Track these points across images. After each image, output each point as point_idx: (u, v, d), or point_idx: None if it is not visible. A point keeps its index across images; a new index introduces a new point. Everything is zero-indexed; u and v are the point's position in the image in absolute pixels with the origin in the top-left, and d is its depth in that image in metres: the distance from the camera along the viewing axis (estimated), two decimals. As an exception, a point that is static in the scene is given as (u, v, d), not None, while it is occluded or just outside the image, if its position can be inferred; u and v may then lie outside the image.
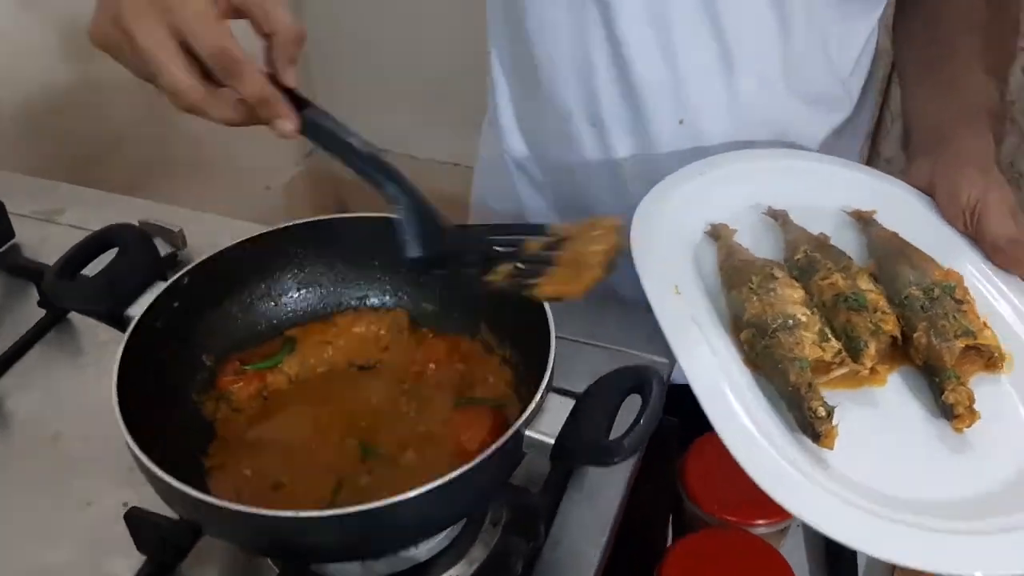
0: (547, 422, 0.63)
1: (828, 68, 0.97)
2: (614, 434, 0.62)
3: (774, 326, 0.70)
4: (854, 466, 0.65)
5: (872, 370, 0.70)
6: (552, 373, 0.65)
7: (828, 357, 0.69)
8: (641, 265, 0.75)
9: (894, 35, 1.01)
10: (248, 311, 0.79)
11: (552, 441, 0.62)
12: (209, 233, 1.04)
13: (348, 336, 0.79)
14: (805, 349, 0.68)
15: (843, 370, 0.69)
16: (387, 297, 0.82)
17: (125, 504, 0.77)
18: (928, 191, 0.85)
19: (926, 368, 0.71)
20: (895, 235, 0.81)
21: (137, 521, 0.70)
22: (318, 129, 0.65)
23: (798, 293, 0.74)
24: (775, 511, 0.81)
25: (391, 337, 0.80)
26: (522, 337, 0.75)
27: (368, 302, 0.82)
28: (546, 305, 0.70)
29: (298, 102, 0.64)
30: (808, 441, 0.65)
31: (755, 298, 0.73)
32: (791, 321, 0.70)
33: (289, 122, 0.63)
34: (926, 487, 0.65)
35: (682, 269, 0.78)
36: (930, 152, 0.87)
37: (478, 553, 0.72)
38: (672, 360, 0.90)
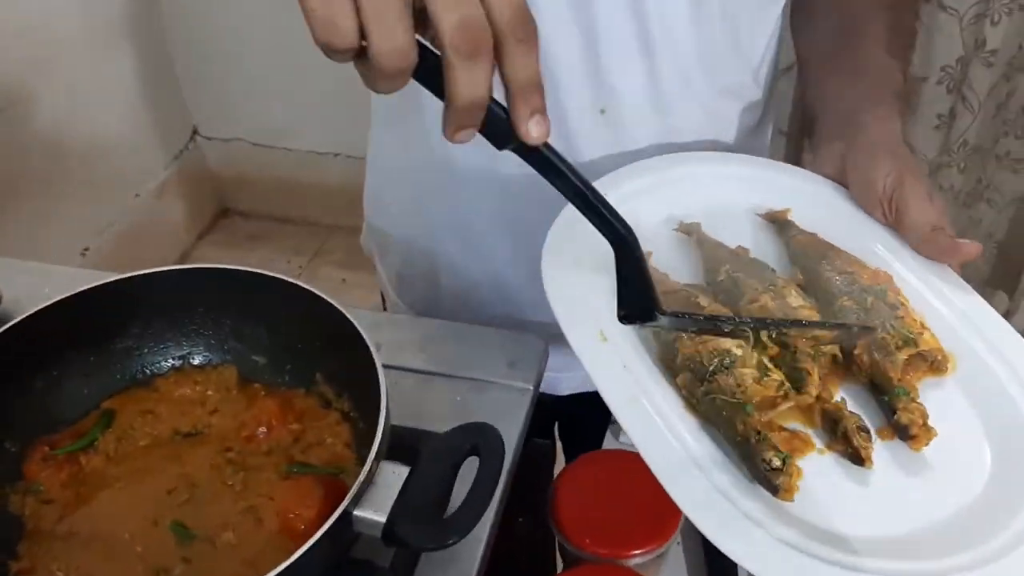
0: (378, 498, 0.57)
1: (740, 58, 0.92)
2: (459, 497, 0.57)
3: (711, 368, 0.64)
4: (814, 511, 0.59)
5: (818, 397, 0.65)
6: (385, 437, 0.60)
7: (772, 392, 0.64)
8: (559, 310, 0.68)
9: (793, 22, 0.97)
10: (56, 386, 0.71)
11: (383, 521, 0.56)
12: (32, 284, 0.95)
13: (171, 401, 0.72)
14: (747, 390, 0.63)
15: (788, 404, 0.63)
16: (212, 353, 0.75)
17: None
18: (839, 179, 0.82)
19: (872, 386, 0.66)
20: (815, 237, 0.77)
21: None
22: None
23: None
24: (649, 540, 0.77)
25: (219, 397, 0.73)
26: (359, 387, 0.69)
27: (192, 360, 0.75)
28: (372, 349, 0.64)
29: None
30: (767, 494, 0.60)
31: (683, 336, 0.67)
32: (728, 359, 0.64)
33: (545, 124, 0.51)
34: (889, 521, 0.60)
35: (602, 308, 0.69)
36: (839, 139, 0.83)
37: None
38: (537, 382, 0.85)
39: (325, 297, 0.69)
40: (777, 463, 0.58)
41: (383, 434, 0.59)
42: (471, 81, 0.47)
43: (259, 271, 0.72)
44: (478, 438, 0.58)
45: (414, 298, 1.09)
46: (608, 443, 0.94)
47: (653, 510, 0.78)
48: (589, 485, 0.81)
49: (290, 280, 0.71)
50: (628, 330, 0.69)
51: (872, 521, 0.60)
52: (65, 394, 0.72)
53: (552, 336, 0.84)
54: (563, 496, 0.80)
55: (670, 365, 0.67)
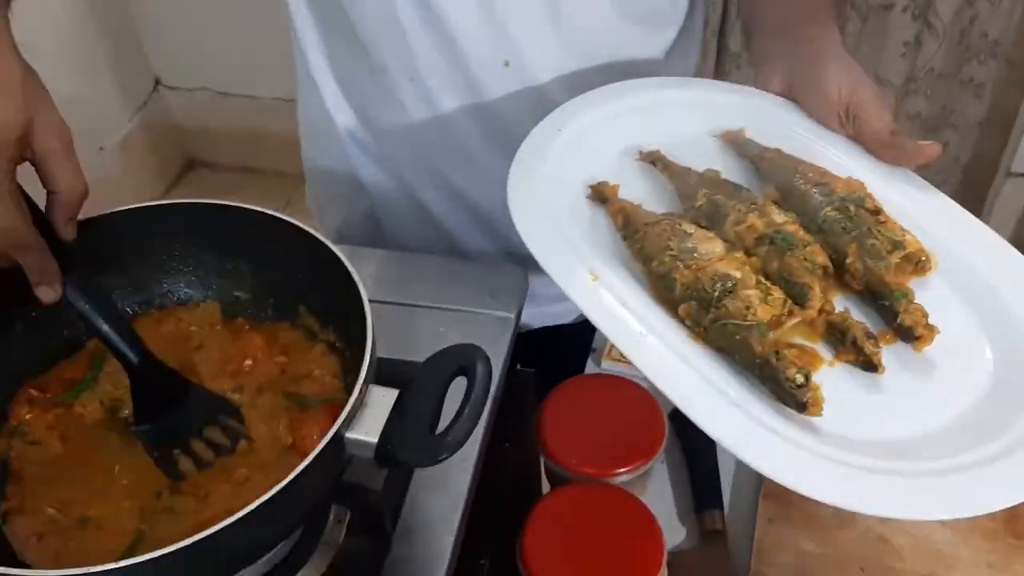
0: (368, 420, 0.57)
1: None
2: (446, 420, 0.57)
3: (715, 293, 0.64)
4: (836, 421, 0.61)
5: (820, 310, 0.66)
6: (372, 363, 0.60)
7: (778, 310, 0.64)
8: (541, 256, 0.68)
9: None
10: (36, 328, 0.71)
11: (375, 441, 0.57)
12: None
13: (155, 339, 0.71)
14: (757, 311, 0.63)
15: (794, 320, 0.64)
16: (194, 290, 0.74)
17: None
18: (787, 94, 0.82)
19: (867, 292, 0.67)
20: (779, 152, 0.77)
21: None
22: (73, 294, 0.63)
23: (719, 245, 0.69)
24: (634, 458, 0.78)
25: (204, 333, 0.73)
26: (343, 317, 0.69)
27: (173, 298, 0.74)
28: (356, 279, 0.65)
29: (67, 258, 0.63)
30: (789, 409, 0.61)
31: (680, 265, 0.67)
32: (729, 283, 0.65)
33: (52, 291, 0.62)
34: (906, 423, 0.61)
35: (583, 247, 0.70)
36: (781, 52, 0.83)
37: (323, 556, 0.67)
38: (518, 311, 0.86)
39: (308, 229, 0.68)
40: (801, 380, 0.60)
41: (371, 358, 0.60)
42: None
43: (241, 205, 0.71)
44: (465, 359, 0.59)
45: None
46: (590, 369, 0.95)
47: (637, 430, 0.80)
48: (573, 408, 0.82)
49: (272, 213, 0.70)
50: (618, 266, 0.70)
51: (887, 424, 0.61)
52: (46, 336, 0.71)
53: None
54: (548, 419, 0.81)
55: (666, 297, 0.68)
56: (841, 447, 0.59)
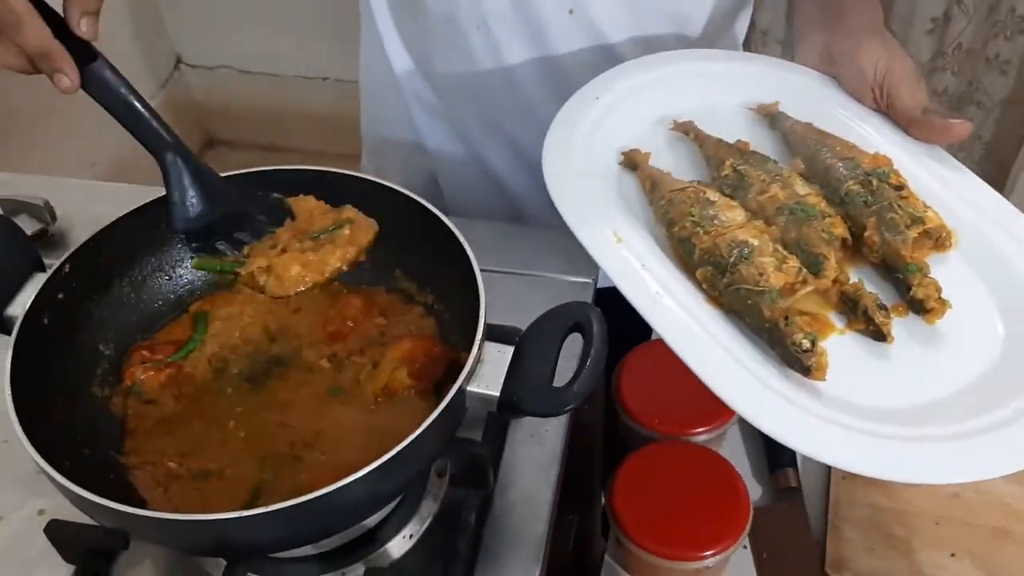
0: (488, 375, 0.60)
1: None
2: (558, 378, 0.60)
3: (731, 259, 0.67)
4: (839, 386, 0.62)
5: (835, 280, 0.68)
6: (485, 321, 0.62)
7: (792, 278, 0.66)
8: (570, 217, 0.71)
9: None
10: (142, 290, 0.73)
11: (496, 395, 0.59)
12: (79, 200, 0.96)
13: (255, 303, 0.74)
14: (770, 278, 0.65)
15: (808, 289, 0.66)
16: (290, 255, 0.76)
17: (42, 512, 0.72)
18: (823, 68, 0.84)
19: (883, 265, 0.69)
20: (810, 126, 0.79)
21: (59, 534, 0.66)
22: (98, 84, 0.65)
23: (740, 214, 0.71)
24: (712, 418, 0.81)
25: (301, 297, 0.75)
26: (442, 280, 0.71)
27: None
28: (464, 242, 0.67)
29: (90, 55, 0.64)
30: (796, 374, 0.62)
31: (700, 231, 0.69)
32: (746, 249, 0.67)
33: (67, 78, 0.62)
34: (910, 392, 0.63)
35: (610, 210, 0.73)
36: (821, 26, 0.85)
37: (428, 508, 0.70)
38: (595, 277, 0.88)
39: (403, 191, 0.70)
40: (807, 345, 0.61)
41: (484, 315, 0.62)
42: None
43: (332, 170, 0.74)
44: (580, 316, 0.61)
45: None
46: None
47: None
48: (648, 371, 0.85)
49: (364, 177, 0.73)
50: (641, 230, 0.72)
51: (893, 393, 0.63)
52: (152, 298, 0.74)
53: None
54: (626, 382, 0.83)
55: (686, 261, 0.70)
56: (844, 411, 0.60)
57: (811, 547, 0.79)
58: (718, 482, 0.76)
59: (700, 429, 0.80)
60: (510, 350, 0.61)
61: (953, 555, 0.77)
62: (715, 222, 0.69)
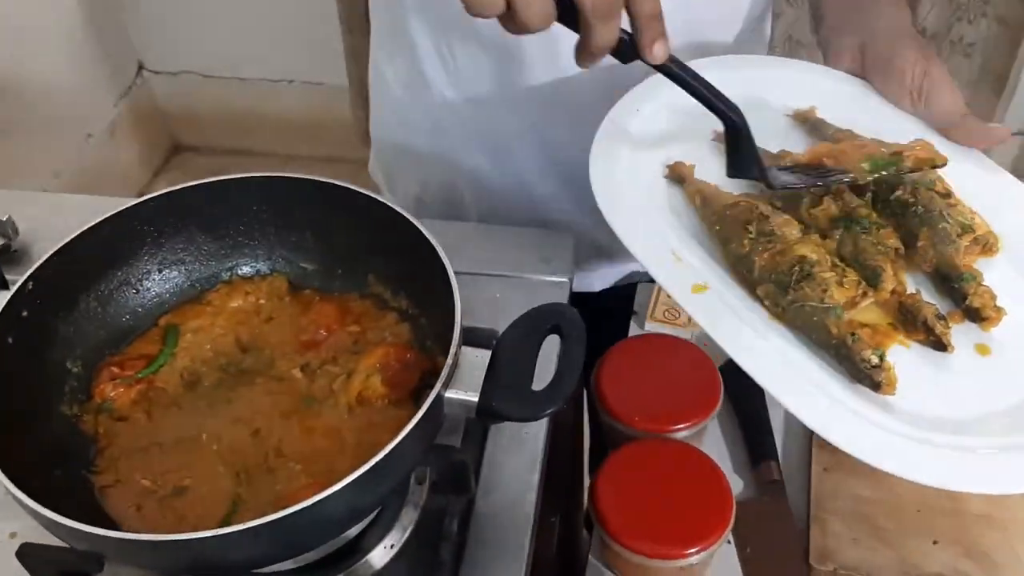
0: (466, 380, 0.59)
1: None
2: (537, 380, 0.59)
3: (794, 277, 0.67)
4: (905, 398, 0.63)
5: (892, 291, 0.69)
6: (461, 324, 0.61)
7: (853, 292, 0.67)
8: (628, 239, 0.70)
9: None
10: (109, 305, 0.71)
11: (475, 400, 0.58)
12: (41, 214, 0.93)
13: (226, 314, 0.73)
14: (834, 295, 0.66)
15: (868, 301, 0.67)
16: (260, 263, 0.75)
17: (13, 535, 0.70)
18: (857, 72, 0.83)
19: (936, 274, 0.70)
20: (851, 132, 0.78)
21: (31, 558, 0.64)
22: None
23: (796, 228, 0.71)
24: (693, 413, 0.80)
25: (272, 306, 0.74)
26: (416, 284, 0.70)
27: (240, 271, 0.75)
28: (436, 245, 0.66)
29: None
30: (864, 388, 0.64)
31: (760, 248, 0.69)
32: (807, 266, 0.67)
33: (665, 47, 0.62)
34: (972, 400, 0.64)
35: (666, 229, 0.73)
36: (853, 29, 0.84)
37: (409, 517, 0.68)
38: (570, 276, 0.87)
39: (379, 198, 0.69)
40: (876, 360, 0.63)
41: (460, 319, 0.61)
42: (606, 34, 0.60)
43: (301, 176, 0.72)
44: (557, 317, 0.60)
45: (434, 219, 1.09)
46: (634, 332, 0.97)
47: (694, 386, 0.82)
48: (628, 368, 0.84)
49: (337, 183, 0.71)
50: (698, 249, 0.73)
51: (957, 402, 0.64)
52: (119, 312, 0.72)
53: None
54: (606, 380, 0.83)
55: (745, 278, 0.70)
56: (914, 424, 0.62)
57: (795, 539, 0.79)
58: (701, 478, 0.75)
59: (681, 425, 0.80)
60: (487, 354, 0.60)
61: (936, 543, 0.77)
62: (772, 238, 0.69)
